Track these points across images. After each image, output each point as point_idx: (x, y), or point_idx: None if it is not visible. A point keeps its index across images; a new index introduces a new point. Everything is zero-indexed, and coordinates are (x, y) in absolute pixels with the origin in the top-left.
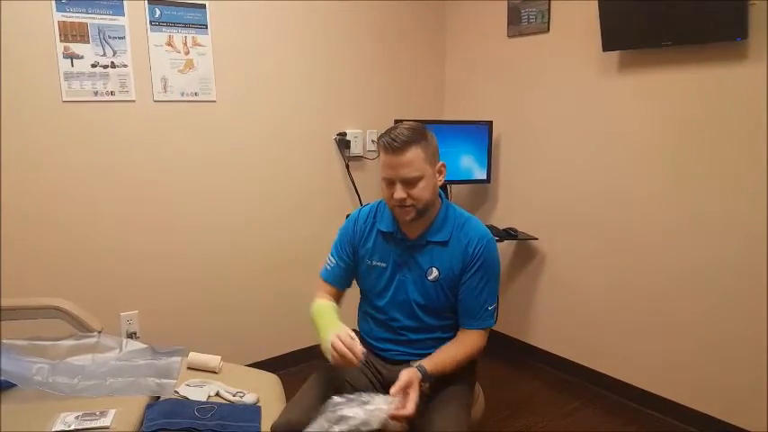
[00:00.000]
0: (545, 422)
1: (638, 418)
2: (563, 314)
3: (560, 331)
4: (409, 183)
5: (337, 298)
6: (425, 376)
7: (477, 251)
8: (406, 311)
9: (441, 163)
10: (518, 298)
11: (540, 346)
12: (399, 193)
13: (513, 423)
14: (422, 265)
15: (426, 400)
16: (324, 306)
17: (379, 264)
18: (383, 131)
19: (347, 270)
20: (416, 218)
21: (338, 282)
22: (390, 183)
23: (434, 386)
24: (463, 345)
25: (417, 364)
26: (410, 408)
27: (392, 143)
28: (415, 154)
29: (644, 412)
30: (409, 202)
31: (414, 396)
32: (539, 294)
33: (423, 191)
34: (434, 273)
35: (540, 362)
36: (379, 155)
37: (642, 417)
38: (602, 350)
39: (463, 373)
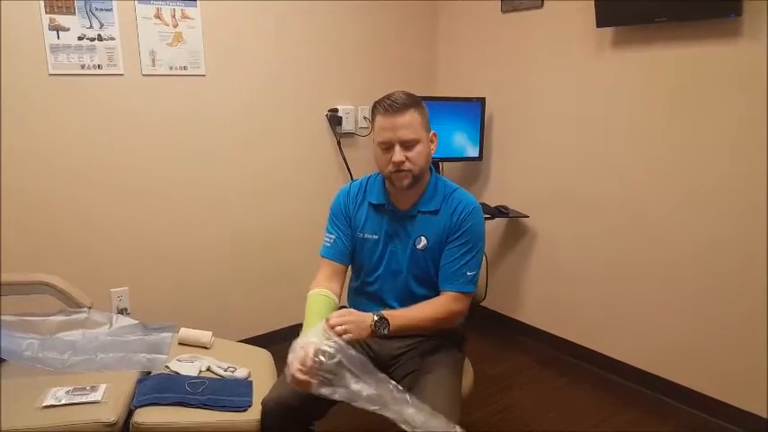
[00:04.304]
0: (533, 397)
1: (626, 394)
2: (552, 291)
3: (549, 308)
4: (407, 145)
5: (341, 276)
6: (380, 318)
7: (462, 217)
8: (399, 283)
9: (432, 132)
10: (508, 275)
11: (529, 323)
12: (398, 155)
13: (502, 398)
14: (412, 235)
15: (415, 375)
16: (316, 299)
17: (371, 236)
18: (377, 100)
19: (348, 241)
20: (412, 184)
21: (342, 255)
22: (388, 147)
23: (423, 362)
24: (433, 303)
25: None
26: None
27: (393, 104)
28: (413, 117)
29: (631, 388)
30: (407, 165)
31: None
32: (528, 271)
33: (419, 156)
34: (423, 241)
35: (529, 338)
36: (373, 122)
37: (629, 392)
38: (590, 327)
39: (452, 349)
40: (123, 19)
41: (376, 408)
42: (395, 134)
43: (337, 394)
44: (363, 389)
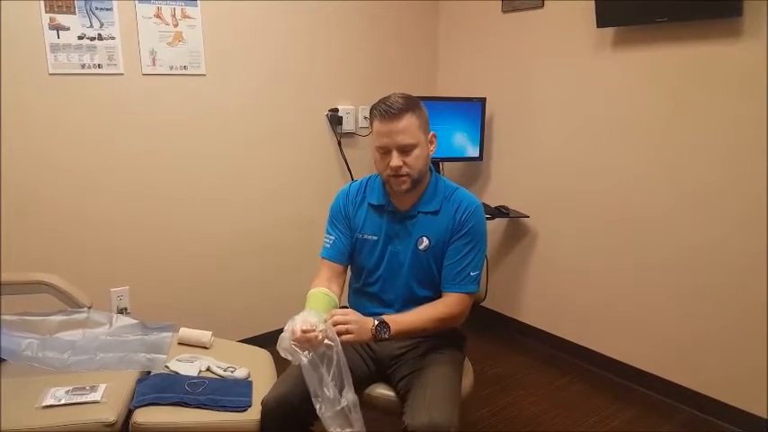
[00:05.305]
0: (533, 397)
1: (625, 394)
2: (552, 291)
3: (549, 308)
4: (405, 150)
5: (341, 277)
6: (381, 323)
7: (464, 216)
8: (400, 284)
9: (432, 133)
10: (508, 275)
11: (529, 323)
12: (396, 160)
13: (502, 398)
14: (413, 235)
15: (415, 375)
16: (317, 296)
17: (370, 237)
18: (374, 104)
19: (347, 242)
20: (411, 188)
21: (341, 256)
22: (386, 152)
23: (423, 362)
24: (435, 305)
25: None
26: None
27: (389, 110)
28: (410, 121)
29: (631, 387)
30: (405, 170)
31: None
32: (529, 271)
33: (417, 159)
34: (425, 242)
35: (529, 338)
36: (371, 126)
37: (630, 392)
38: (590, 327)
39: (452, 349)
40: (123, 18)
41: (320, 413)
42: (392, 140)
43: (309, 378)
44: (330, 389)
